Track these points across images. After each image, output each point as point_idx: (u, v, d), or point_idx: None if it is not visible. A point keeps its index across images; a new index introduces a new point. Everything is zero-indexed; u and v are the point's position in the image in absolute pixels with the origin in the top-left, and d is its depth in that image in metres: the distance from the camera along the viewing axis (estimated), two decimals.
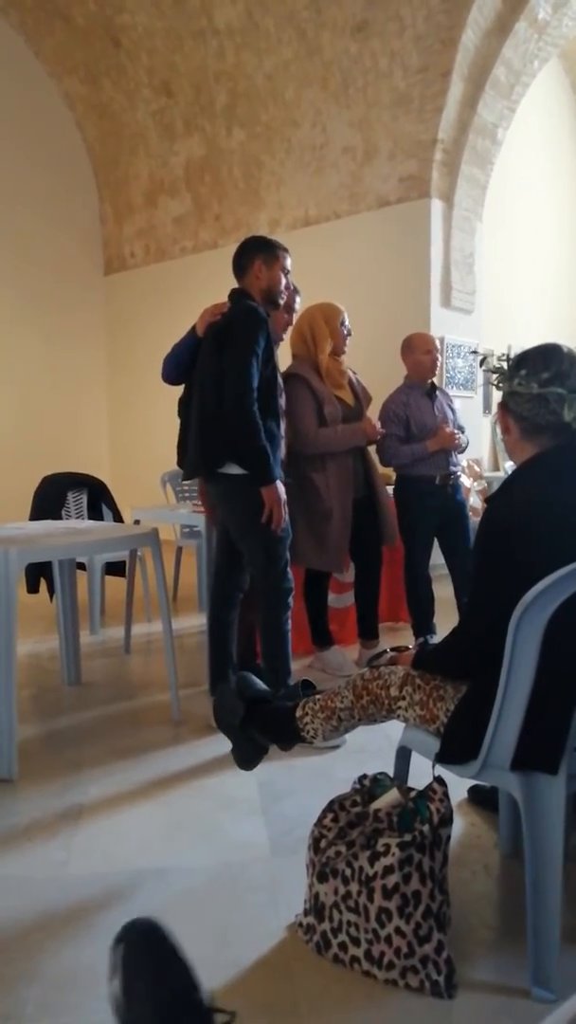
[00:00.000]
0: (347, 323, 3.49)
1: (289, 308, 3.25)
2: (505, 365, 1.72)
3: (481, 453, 7.17)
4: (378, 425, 3.53)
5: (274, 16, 6.46)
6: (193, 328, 2.94)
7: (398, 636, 4.20)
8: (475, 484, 4.98)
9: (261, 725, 1.97)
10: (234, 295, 2.92)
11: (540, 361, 1.66)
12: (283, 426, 3.10)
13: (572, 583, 1.41)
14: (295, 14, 6.34)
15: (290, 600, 2.88)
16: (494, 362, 1.73)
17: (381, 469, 3.79)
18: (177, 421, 3.04)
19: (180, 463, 3.05)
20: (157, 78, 7.54)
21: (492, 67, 5.91)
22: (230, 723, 2.03)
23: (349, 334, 3.50)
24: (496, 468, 7.44)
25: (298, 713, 1.89)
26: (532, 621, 1.44)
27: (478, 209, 6.62)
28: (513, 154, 7.79)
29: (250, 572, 2.98)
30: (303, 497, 3.34)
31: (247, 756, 2.03)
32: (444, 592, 4.00)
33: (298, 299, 3.34)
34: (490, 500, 1.67)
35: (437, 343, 3.90)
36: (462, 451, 3.85)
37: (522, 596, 1.44)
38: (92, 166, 8.56)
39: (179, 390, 3.05)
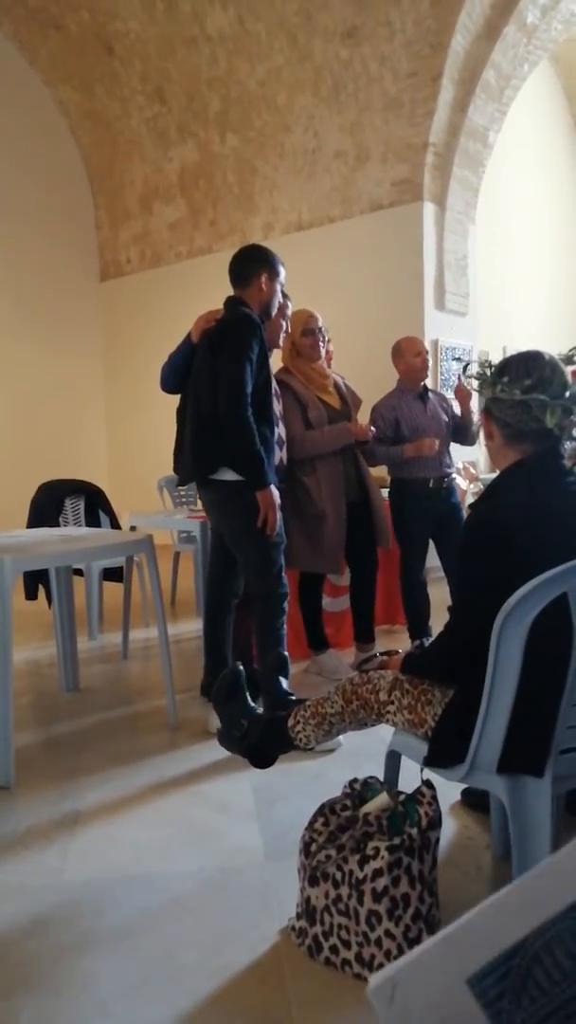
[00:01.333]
0: (317, 328, 3.45)
1: (284, 315, 3.27)
2: (488, 372, 1.74)
3: (477, 455, 7.18)
4: (372, 431, 3.54)
5: (265, 23, 6.50)
6: (188, 335, 2.96)
7: (395, 639, 4.21)
8: (471, 487, 4.99)
9: (259, 741, 1.99)
10: (229, 303, 2.94)
11: (522, 368, 1.68)
12: (279, 431, 3.12)
13: (554, 587, 1.43)
14: (286, 20, 6.38)
15: (285, 605, 2.90)
16: (475, 368, 1.75)
17: (375, 472, 3.81)
18: (175, 426, 3.07)
19: (176, 469, 3.07)
20: (150, 85, 7.58)
21: (482, 71, 5.94)
22: (235, 741, 2.04)
23: (316, 340, 3.46)
24: (492, 470, 7.45)
25: (290, 723, 1.92)
26: (515, 625, 1.45)
27: (471, 212, 6.64)
28: (505, 156, 7.82)
29: (245, 577, 3.00)
30: (296, 501, 3.36)
31: (265, 760, 2.04)
32: (440, 595, 4.01)
33: (289, 304, 3.37)
34: (474, 505, 1.69)
35: (426, 345, 3.92)
36: (471, 444, 3.96)
37: (505, 600, 1.46)
38: (87, 173, 8.59)
39: (176, 395, 3.08)
